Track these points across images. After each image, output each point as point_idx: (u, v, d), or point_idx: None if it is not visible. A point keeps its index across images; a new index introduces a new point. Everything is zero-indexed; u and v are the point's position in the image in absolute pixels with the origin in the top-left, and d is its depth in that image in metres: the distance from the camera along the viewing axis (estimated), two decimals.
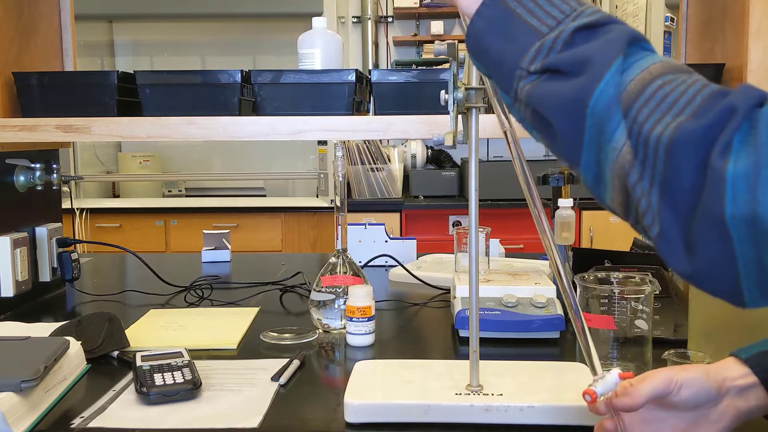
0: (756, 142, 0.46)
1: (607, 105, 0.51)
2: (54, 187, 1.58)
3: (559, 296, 1.22)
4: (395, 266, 1.71)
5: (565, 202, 1.27)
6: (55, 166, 1.55)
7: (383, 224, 1.83)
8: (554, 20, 0.55)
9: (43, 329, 1.17)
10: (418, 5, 3.82)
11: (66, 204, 1.83)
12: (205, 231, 1.99)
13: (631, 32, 0.53)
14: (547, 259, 1.56)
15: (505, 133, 0.76)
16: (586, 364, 0.96)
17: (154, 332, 1.24)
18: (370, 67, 3.94)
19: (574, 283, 1.05)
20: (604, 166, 0.53)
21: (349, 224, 1.54)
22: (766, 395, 0.67)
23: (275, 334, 1.22)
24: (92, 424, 0.85)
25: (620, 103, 0.51)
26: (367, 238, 1.81)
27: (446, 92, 0.82)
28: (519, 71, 0.56)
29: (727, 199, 0.46)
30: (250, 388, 0.96)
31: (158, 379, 0.93)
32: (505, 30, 0.57)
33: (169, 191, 4.34)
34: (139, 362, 0.98)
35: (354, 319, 1.15)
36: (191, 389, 0.92)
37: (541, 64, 0.54)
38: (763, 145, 0.45)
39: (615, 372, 0.67)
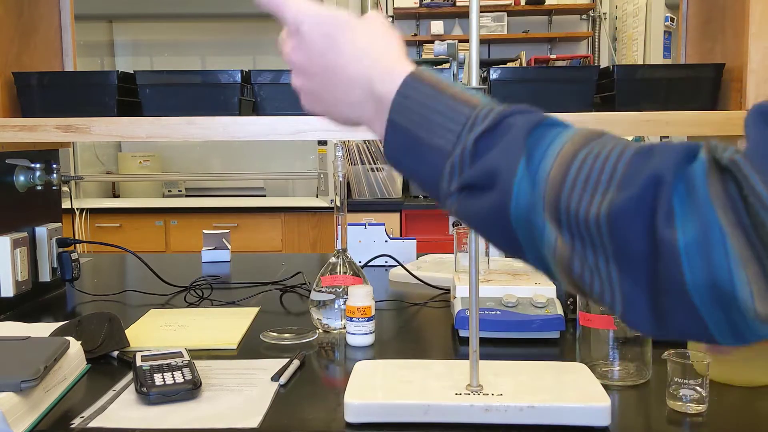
0: (697, 202, 0.44)
1: (526, 213, 0.50)
2: (54, 187, 1.58)
3: (559, 296, 1.22)
4: (395, 266, 1.71)
5: None
6: (55, 166, 1.55)
7: (383, 224, 1.83)
8: (454, 134, 0.54)
9: (43, 329, 1.17)
10: (418, 5, 3.82)
11: (66, 204, 1.83)
12: (205, 231, 1.99)
13: (530, 120, 0.52)
14: None
15: None
16: (586, 363, 0.96)
17: (154, 332, 1.24)
18: None
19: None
20: (548, 263, 0.52)
21: (349, 224, 1.54)
22: None
23: (275, 334, 1.22)
24: (92, 424, 0.86)
25: (539, 205, 0.50)
26: (367, 238, 1.81)
27: None
28: (442, 192, 0.56)
29: (685, 269, 0.45)
30: (250, 388, 0.97)
31: (158, 379, 0.93)
32: (414, 153, 0.56)
33: (169, 191, 4.34)
34: (139, 362, 0.98)
35: (354, 319, 1.15)
36: (191, 389, 0.92)
37: (457, 183, 0.54)
38: (703, 205, 0.44)
39: None
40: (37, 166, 1.47)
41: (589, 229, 0.48)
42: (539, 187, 0.50)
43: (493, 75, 1.22)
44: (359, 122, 0.63)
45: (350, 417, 0.85)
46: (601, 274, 0.49)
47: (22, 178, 1.45)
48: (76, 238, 3.21)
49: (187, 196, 4.33)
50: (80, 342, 1.06)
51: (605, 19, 3.86)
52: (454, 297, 1.26)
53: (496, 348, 1.13)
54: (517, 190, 0.50)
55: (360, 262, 1.77)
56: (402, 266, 1.65)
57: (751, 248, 0.44)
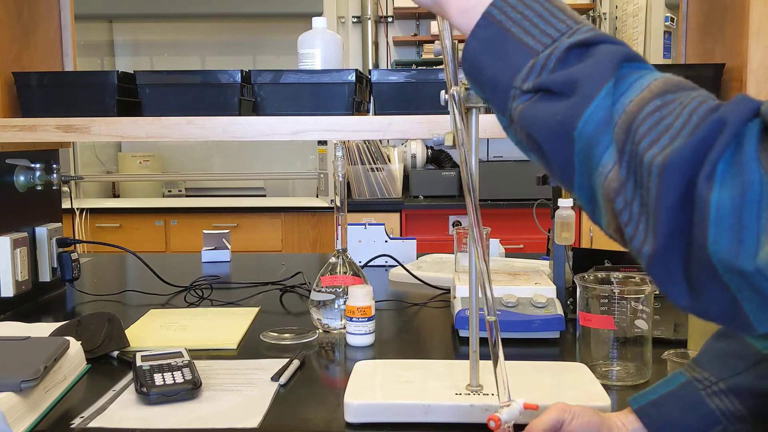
0: (742, 161, 0.43)
1: (595, 128, 0.49)
2: (54, 187, 1.58)
3: (559, 296, 1.22)
4: (395, 266, 1.71)
5: (565, 202, 1.27)
6: (55, 166, 1.55)
7: (383, 224, 1.83)
8: (549, 38, 0.53)
9: (43, 329, 1.17)
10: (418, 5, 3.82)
11: (66, 204, 1.83)
12: (205, 231, 1.99)
13: (626, 52, 0.52)
14: (547, 259, 1.56)
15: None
16: (586, 363, 0.96)
17: (154, 332, 1.24)
18: (370, 67, 3.94)
19: (574, 283, 1.05)
20: (596, 191, 0.51)
21: (349, 224, 1.54)
22: None
23: (275, 334, 1.22)
24: (92, 424, 0.86)
25: (611, 126, 0.49)
26: (367, 238, 1.81)
27: (446, 92, 0.82)
28: (513, 91, 0.55)
29: (711, 232, 0.43)
30: (250, 388, 0.96)
31: (158, 379, 0.93)
32: (499, 50, 0.55)
33: (169, 191, 4.34)
34: (139, 362, 0.98)
35: (354, 319, 1.15)
36: (191, 389, 0.92)
37: (533, 82, 0.53)
38: (747, 163, 0.42)
39: (520, 402, 0.71)
40: (37, 166, 1.47)
41: (641, 167, 0.47)
42: (618, 111, 0.49)
43: None
44: (445, 8, 0.61)
45: (350, 417, 0.85)
46: (632, 217, 0.48)
47: (22, 178, 1.45)
48: (76, 238, 3.20)
49: (187, 196, 4.33)
50: (80, 342, 1.06)
51: (605, 19, 3.86)
52: (454, 297, 1.26)
53: None
54: (596, 105, 0.49)
55: (360, 262, 1.77)
56: (402, 266, 1.64)
57: None
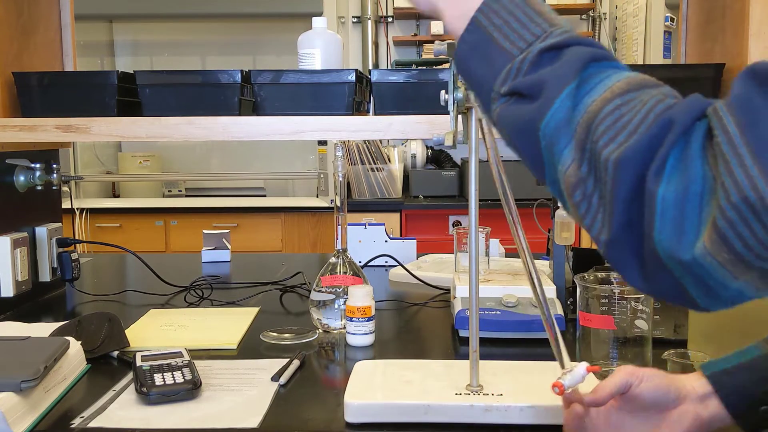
0: (688, 157, 0.46)
1: (556, 128, 0.53)
2: (54, 187, 1.58)
3: (559, 296, 1.22)
4: (395, 266, 1.71)
5: None
6: (55, 166, 1.55)
7: (383, 224, 1.83)
8: (525, 42, 0.57)
9: (43, 329, 1.17)
10: None
11: (66, 204, 1.83)
12: (205, 231, 1.99)
13: (593, 53, 0.55)
14: (547, 259, 1.56)
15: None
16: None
17: (154, 332, 1.24)
18: (370, 67, 3.94)
19: (574, 283, 1.05)
20: (561, 185, 0.55)
21: (349, 224, 1.54)
22: (722, 407, 0.72)
23: (275, 334, 1.22)
24: (92, 424, 0.86)
25: (571, 126, 0.52)
26: (367, 238, 1.81)
27: (446, 92, 0.82)
28: (493, 94, 0.58)
29: (657, 224, 0.47)
30: (250, 388, 0.97)
31: (158, 379, 0.93)
32: (484, 54, 0.59)
33: (169, 191, 4.34)
34: (139, 362, 0.98)
35: (354, 319, 1.15)
36: (191, 389, 0.92)
37: (508, 86, 0.57)
38: (693, 159, 0.46)
39: (583, 365, 0.70)
40: (37, 166, 1.47)
41: (599, 162, 0.50)
42: (579, 111, 0.52)
43: None
44: (441, 13, 0.65)
45: (350, 417, 0.85)
46: (590, 209, 0.52)
47: (22, 178, 1.45)
48: (76, 238, 3.20)
49: (187, 196, 4.33)
50: (80, 342, 1.06)
51: (605, 19, 3.86)
52: (454, 297, 1.26)
53: (496, 348, 1.13)
54: (557, 107, 0.53)
55: (360, 262, 1.77)
56: (402, 266, 1.65)
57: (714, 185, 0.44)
